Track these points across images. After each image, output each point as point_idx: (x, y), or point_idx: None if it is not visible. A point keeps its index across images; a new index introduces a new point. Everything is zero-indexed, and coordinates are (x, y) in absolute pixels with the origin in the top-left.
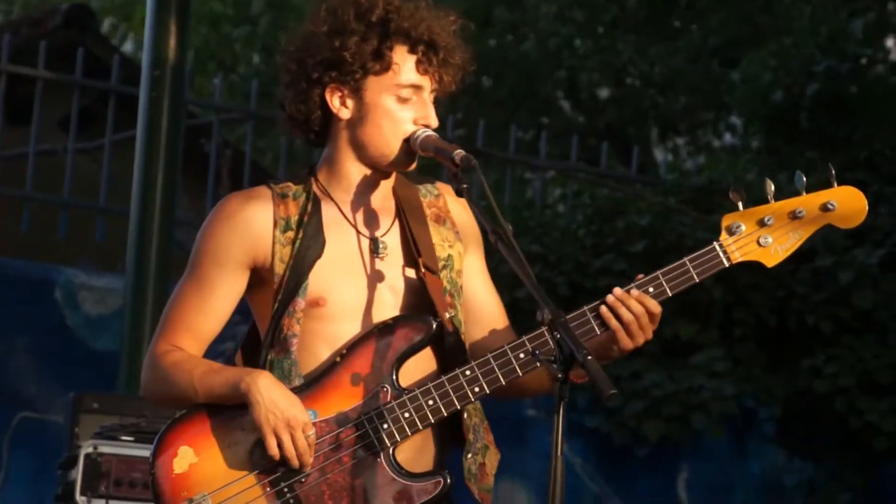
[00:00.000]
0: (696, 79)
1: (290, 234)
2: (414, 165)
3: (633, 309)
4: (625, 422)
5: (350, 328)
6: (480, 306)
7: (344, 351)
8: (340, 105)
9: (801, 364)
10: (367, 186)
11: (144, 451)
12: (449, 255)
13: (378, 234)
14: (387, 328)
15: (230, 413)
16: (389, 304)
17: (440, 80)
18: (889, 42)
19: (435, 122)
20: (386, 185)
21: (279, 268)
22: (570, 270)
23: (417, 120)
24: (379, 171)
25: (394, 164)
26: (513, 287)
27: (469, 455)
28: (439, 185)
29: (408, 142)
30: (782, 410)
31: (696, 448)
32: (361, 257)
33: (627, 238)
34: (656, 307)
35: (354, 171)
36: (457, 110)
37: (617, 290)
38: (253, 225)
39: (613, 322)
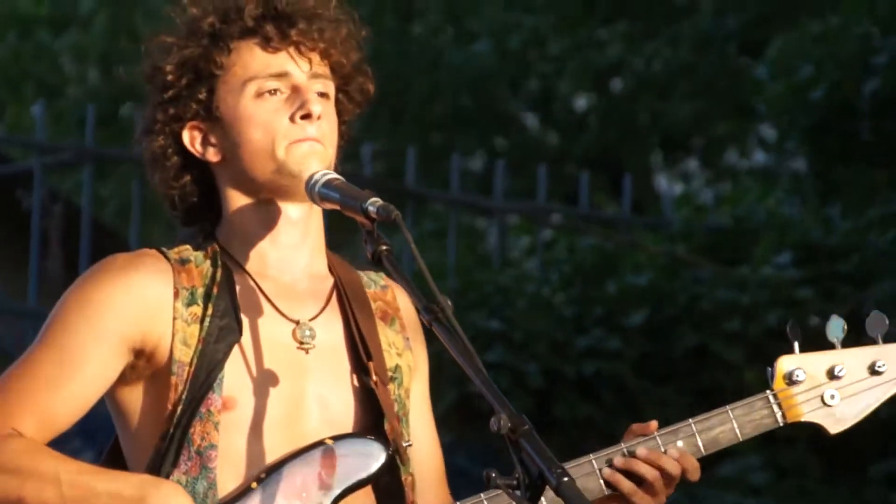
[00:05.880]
0: (708, 74)
1: (196, 309)
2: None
3: (668, 467)
4: None
5: (268, 444)
6: (417, 451)
7: (263, 475)
8: (204, 146)
9: (871, 469)
10: (286, 254)
11: None
12: (397, 367)
13: (306, 317)
14: (325, 451)
15: None
16: (318, 419)
17: (310, 50)
18: None
19: (316, 109)
20: (313, 252)
21: (182, 353)
22: (543, 353)
23: (295, 115)
24: (288, 221)
25: (280, 175)
26: (463, 380)
27: None
28: (386, 277)
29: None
30: None
31: None
32: (285, 348)
33: (621, 306)
34: (695, 470)
35: (254, 224)
36: (375, 134)
37: (643, 451)
38: (149, 291)
39: (626, 485)
